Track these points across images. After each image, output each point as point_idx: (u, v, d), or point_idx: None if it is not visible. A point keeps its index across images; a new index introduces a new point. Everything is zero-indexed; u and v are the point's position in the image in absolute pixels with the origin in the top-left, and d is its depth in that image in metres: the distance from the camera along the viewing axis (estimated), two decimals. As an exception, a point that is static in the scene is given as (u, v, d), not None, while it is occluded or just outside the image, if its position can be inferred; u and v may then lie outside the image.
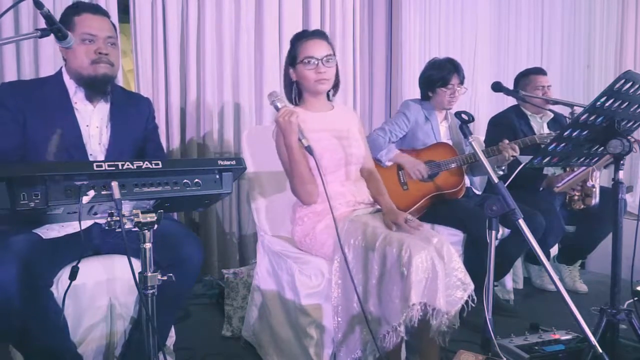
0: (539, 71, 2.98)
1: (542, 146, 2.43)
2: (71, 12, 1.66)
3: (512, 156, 2.44)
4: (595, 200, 2.73)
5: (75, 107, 1.69)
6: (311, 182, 1.79)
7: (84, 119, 1.70)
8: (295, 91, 1.94)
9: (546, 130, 2.92)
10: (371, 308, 1.61)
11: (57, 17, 1.47)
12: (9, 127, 1.60)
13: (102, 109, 1.74)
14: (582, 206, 2.78)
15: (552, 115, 2.91)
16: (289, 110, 1.71)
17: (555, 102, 2.73)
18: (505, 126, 2.86)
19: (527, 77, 2.96)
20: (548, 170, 2.90)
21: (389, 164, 2.57)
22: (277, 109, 1.72)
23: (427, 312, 1.56)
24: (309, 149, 1.64)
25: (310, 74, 1.83)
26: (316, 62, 1.82)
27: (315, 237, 1.85)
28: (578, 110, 2.32)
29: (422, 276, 1.53)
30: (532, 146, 2.54)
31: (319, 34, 1.90)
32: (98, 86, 1.68)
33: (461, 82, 2.61)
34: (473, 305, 1.65)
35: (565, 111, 2.89)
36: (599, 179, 2.73)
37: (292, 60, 1.87)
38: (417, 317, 1.52)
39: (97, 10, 1.71)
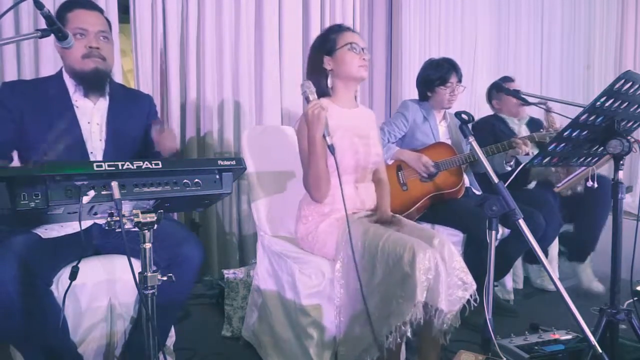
0: (507, 79, 3.02)
1: (543, 145, 2.45)
2: (64, 9, 1.67)
3: (525, 152, 2.46)
4: (581, 187, 2.80)
5: (76, 105, 1.69)
6: (326, 179, 1.79)
7: (85, 116, 1.70)
8: (329, 81, 1.91)
9: (525, 131, 2.99)
10: (374, 308, 1.61)
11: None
12: (6, 124, 1.60)
13: (102, 105, 1.75)
14: (570, 192, 2.83)
15: (528, 117, 3.03)
16: (320, 104, 1.70)
17: (559, 103, 2.75)
18: (487, 131, 2.90)
19: (498, 88, 2.98)
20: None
21: (390, 162, 2.57)
22: (308, 100, 1.71)
23: (429, 313, 1.56)
24: (331, 148, 1.64)
25: (354, 58, 1.85)
26: (360, 49, 1.86)
27: (317, 236, 1.85)
28: (552, 105, 2.38)
29: (426, 276, 1.53)
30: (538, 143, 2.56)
31: (354, 29, 1.95)
32: (92, 81, 1.68)
33: (459, 80, 2.61)
34: (475, 304, 1.65)
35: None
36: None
37: (330, 48, 1.87)
38: (421, 315, 1.51)
39: (90, 5, 1.71)
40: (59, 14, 1.67)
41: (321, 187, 1.80)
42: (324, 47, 1.89)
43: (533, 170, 2.88)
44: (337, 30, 1.92)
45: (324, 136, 1.67)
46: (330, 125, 1.70)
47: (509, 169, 2.58)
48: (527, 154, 2.50)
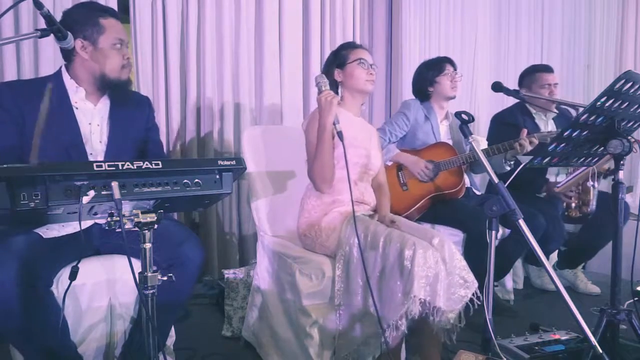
0: (545, 68, 2.91)
1: (544, 145, 2.43)
2: (95, 13, 1.66)
3: (528, 150, 2.42)
4: (591, 207, 2.71)
5: (76, 106, 1.69)
6: (331, 167, 1.85)
7: (86, 117, 1.70)
8: (339, 91, 2.04)
9: (552, 127, 2.90)
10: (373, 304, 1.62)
11: (57, 17, 1.47)
12: (8, 127, 1.59)
13: (103, 107, 1.75)
14: (579, 214, 2.76)
15: (556, 112, 2.87)
16: (332, 93, 1.80)
17: (559, 103, 2.70)
18: (510, 125, 2.79)
19: (533, 74, 2.89)
20: (550, 177, 2.90)
21: (389, 163, 2.57)
22: (321, 91, 1.80)
23: (427, 311, 1.56)
24: (340, 135, 1.72)
25: (362, 72, 1.99)
26: (368, 65, 2.00)
27: (320, 230, 1.87)
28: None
29: (425, 272, 1.55)
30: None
31: (366, 47, 2.12)
32: (121, 89, 1.72)
33: (455, 69, 2.64)
34: (479, 303, 1.65)
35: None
36: (597, 185, 2.71)
37: (341, 62, 2.01)
38: (417, 311, 1.53)
39: (118, 16, 1.74)
40: (89, 16, 1.65)
41: (327, 175, 1.85)
42: (336, 60, 2.03)
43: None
44: (349, 46, 2.07)
45: (333, 123, 1.75)
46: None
47: (508, 168, 2.57)
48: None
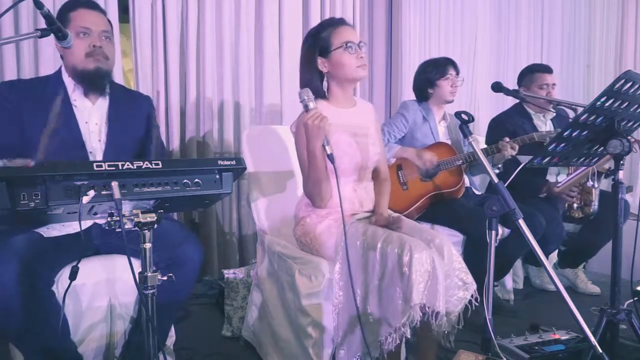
0: (545, 69, 2.91)
1: (543, 145, 2.43)
2: (67, 8, 1.67)
3: (511, 155, 2.46)
4: (594, 207, 2.73)
5: (74, 105, 1.69)
6: (327, 186, 1.76)
7: (83, 115, 1.70)
8: (325, 83, 1.84)
9: (550, 128, 2.90)
10: (373, 309, 1.61)
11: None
12: (8, 126, 1.60)
13: (102, 106, 1.74)
14: (581, 215, 2.76)
15: (554, 113, 2.88)
16: (320, 114, 1.62)
17: (558, 104, 2.71)
18: (507, 127, 2.80)
19: (533, 74, 2.90)
20: (550, 177, 2.90)
21: (392, 160, 2.57)
22: (307, 109, 1.64)
23: (426, 313, 1.55)
24: (330, 157, 1.61)
25: (352, 59, 1.76)
26: (356, 47, 1.77)
27: (316, 237, 1.84)
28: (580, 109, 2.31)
29: (423, 277, 1.52)
30: (531, 144, 2.54)
31: (347, 22, 1.85)
32: (94, 80, 1.68)
33: (457, 73, 2.64)
34: (477, 304, 1.64)
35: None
36: (599, 185, 2.72)
37: (324, 49, 1.77)
38: (418, 317, 1.51)
39: (93, 5, 1.72)
40: (61, 13, 1.66)
41: (323, 195, 1.78)
42: (317, 46, 1.79)
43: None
44: (329, 26, 1.81)
45: (323, 145, 1.64)
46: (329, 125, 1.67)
47: (496, 171, 2.58)
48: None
